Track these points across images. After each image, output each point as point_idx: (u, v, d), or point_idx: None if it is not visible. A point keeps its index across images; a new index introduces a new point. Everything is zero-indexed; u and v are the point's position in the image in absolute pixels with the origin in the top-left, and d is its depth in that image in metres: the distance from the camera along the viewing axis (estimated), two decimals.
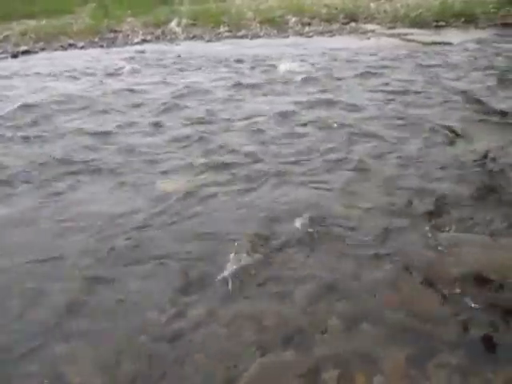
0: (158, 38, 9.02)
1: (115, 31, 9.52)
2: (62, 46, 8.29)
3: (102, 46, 8.31)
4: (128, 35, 9.17)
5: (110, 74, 5.83)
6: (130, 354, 1.55)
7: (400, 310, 1.66)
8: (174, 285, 1.85)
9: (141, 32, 9.34)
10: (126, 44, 8.50)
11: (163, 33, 9.40)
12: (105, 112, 4.18)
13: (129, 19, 10.36)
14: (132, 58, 6.88)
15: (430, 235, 2.07)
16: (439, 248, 1.99)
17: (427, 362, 1.46)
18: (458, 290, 1.73)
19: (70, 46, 8.37)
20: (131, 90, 4.93)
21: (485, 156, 2.89)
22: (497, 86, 4.57)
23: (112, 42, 8.66)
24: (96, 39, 8.85)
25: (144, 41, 8.77)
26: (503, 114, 3.70)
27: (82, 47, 8.28)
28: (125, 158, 3.10)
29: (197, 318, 1.68)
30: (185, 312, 1.71)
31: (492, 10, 9.79)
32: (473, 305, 1.67)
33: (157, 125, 3.77)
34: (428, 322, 1.60)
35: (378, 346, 1.53)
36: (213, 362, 1.51)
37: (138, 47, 8.04)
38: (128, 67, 6.14)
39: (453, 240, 2.04)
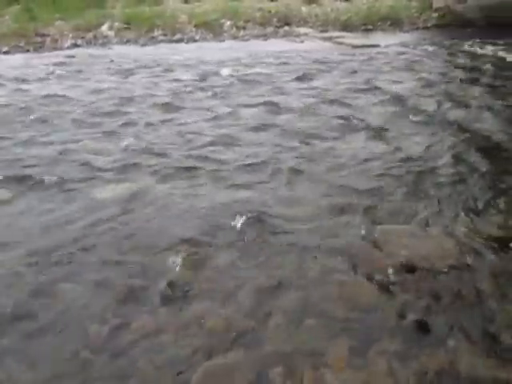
0: (89, 43, 8.73)
1: (43, 35, 9.09)
2: None
3: (28, 51, 7.91)
4: (57, 39, 8.79)
5: (38, 80, 5.56)
6: (71, 373, 1.48)
7: (340, 302, 1.72)
8: (114, 295, 1.80)
9: (70, 36, 8.99)
10: (54, 49, 8.14)
11: (95, 37, 9.11)
12: (34, 120, 3.97)
13: (57, 23, 9.93)
14: (62, 63, 6.60)
15: (364, 229, 2.17)
16: (374, 241, 2.08)
17: (368, 351, 1.52)
18: (392, 280, 1.82)
19: None
20: (61, 97, 4.73)
21: (412, 153, 3.06)
22: (421, 86, 4.86)
23: (40, 47, 8.26)
24: (22, 44, 8.41)
25: (74, 45, 8.45)
26: (427, 113, 3.94)
27: (5, 52, 7.83)
28: (56, 167, 2.97)
29: (140, 328, 1.64)
30: (127, 323, 1.66)
31: (415, 15, 10.42)
32: (406, 292, 1.76)
33: (92, 132, 3.64)
34: (367, 313, 1.67)
35: (322, 339, 1.57)
36: (159, 371, 1.48)
37: (68, 52, 7.74)
38: (57, 73, 5.89)
39: (386, 232, 2.14)
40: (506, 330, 1.58)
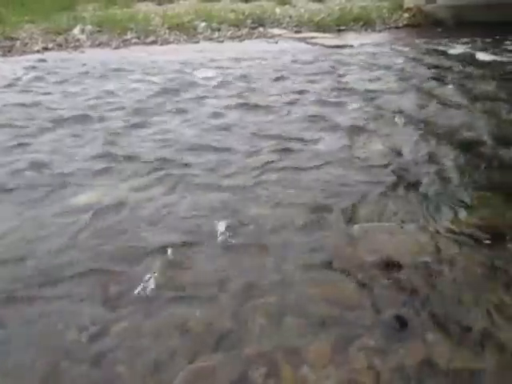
0: (60, 46, 8.54)
1: (11, 38, 8.84)
2: None
3: None
4: (26, 43, 8.57)
5: (7, 86, 5.41)
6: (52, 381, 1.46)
7: (321, 300, 1.74)
8: (93, 302, 1.77)
9: (41, 39, 8.78)
10: (24, 52, 7.94)
11: (66, 40, 8.92)
12: (4, 126, 3.87)
13: (26, 26, 9.69)
14: (32, 68, 6.45)
15: (343, 228, 2.19)
16: (353, 238, 2.11)
17: (348, 347, 1.54)
18: (371, 276, 1.85)
19: None
20: (32, 102, 4.62)
21: (387, 151, 3.11)
22: (394, 85, 4.95)
23: (8, 51, 8.04)
24: None
25: (45, 49, 8.25)
26: (401, 111, 4.01)
27: None
28: (32, 175, 2.90)
29: (120, 334, 1.62)
30: (107, 329, 1.64)
31: (386, 15, 10.59)
32: (385, 288, 1.79)
33: (62, 137, 3.57)
34: (347, 309, 1.69)
35: (303, 337, 1.58)
36: (140, 376, 1.47)
37: (39, 55, 7.56)
38: (27, 77, 5.76)
39: (364, 230, 2.18)
40: (482, 321, 1.62)
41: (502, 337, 1.55)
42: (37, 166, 3.01)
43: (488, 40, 7.66)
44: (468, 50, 7.05)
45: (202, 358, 1.51)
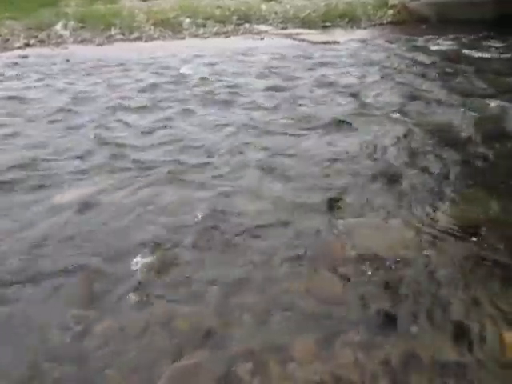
0: (42, 42, 8.41)
1: None
2: None
3: None
4: (8, 39, 8.42)
5: None
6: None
7: (306, 296, 1.74)
8: (76, 301, 1.75)
9: (22, 35, 8.63)
10: (5, 49, 7.80)
11: (48, 36, 8.78)
12: None
13: (8, 22, 9.52)
14: (14, 64, 6.34)
15: (327, 223, 2.20)
16: (338, 234, 2.12)
17: (334, 343, 1.54)
18: (356, 271, 1.86)
19: None
20: (15, 98, 4.55)
21: (371, 147, 3.12)
22: (379, 81, 4.98)
23: None
24: None
25: (27, 45, 8.12)
26: (386, 106, 4.03)
27: None
28: (12, 173, 2.85)
29: (104, 333, 1.60)
30: (91, 328, 1.62)
31: (371, 12, 10.64)
32: (370, 283, 1.80)
33: (47, 135, 3.52)
34: (332, 305, 1.70)
35: (289, 334, 1.58)
36: (125, 376, 1.46)
37: (21, 52, 7.44)
38: (9, 74, 5.66)
39: (349, 225, 2.18)
40: (466, 315, 1.64)
41: (484, 330, 1.57)
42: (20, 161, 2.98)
43: (471, 37, 7.74)
44: (451, 46, 7.11)
45: (188, 355, 1.50)
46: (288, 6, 11.10)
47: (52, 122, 3.84)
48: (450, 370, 1.44)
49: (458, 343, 1.52)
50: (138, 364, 1.49)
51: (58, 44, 8.28)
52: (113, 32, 9.12)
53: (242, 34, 9.24)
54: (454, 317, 1.63)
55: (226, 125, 3.65)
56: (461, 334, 1.56)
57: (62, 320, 1.66)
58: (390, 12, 10.52)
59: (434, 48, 7.05)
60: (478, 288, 1.77)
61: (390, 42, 7.66)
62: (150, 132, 3.54)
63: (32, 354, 1.53)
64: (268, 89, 4.74)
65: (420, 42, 7.63)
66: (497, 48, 6.73)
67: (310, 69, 5.69)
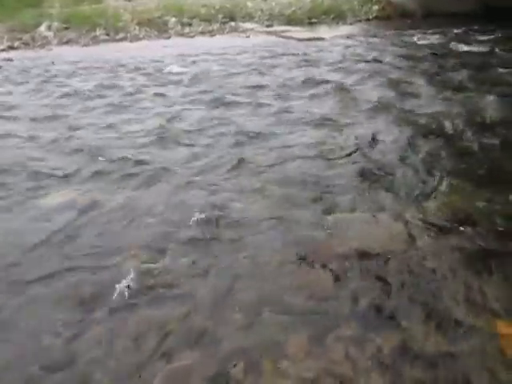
0: (26, 44, 8.32)
1: None
2: None
3: None
4: None
5: None
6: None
7: (298, 293, 1.74)
8: (67, 305, 1.74)
9: (6, 37, 8.52)
10: None
11: (33, 38, 8.68)
12: None
13: None
14: None
15: (317, 219, 2.20)
16: (328, 230, 2.12)
17: (326, 338, 1.55)
18: (346, 267, 1.86)
19: None
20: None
21: (360, 142, 3.13)
22: (366, 76, 4.99)
23: None
24: None
25: (11, 47, 8.03)
26: (374, 101, 4.05)
27: None
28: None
29: (96, 337, 1.59)
30: (82, 332, 1.61)
31: (357, 8, 10.67)
32: (360, 277, 1.81)
33: (34, 138, 3.49)
34: (323, 300, 1.70)
35: (281, 331, 1.58)
36: (117, 379, 1.45)
37: (5, 55, 7.35)
38: None
39: (339, 221, 2.19)
40: (454, 307, 1.66)
41: (475, 320, 1.59)
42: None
43: (457, 31, 7.80)
44: (437, 40, 7.15)
45: (180, 356, 1.50)
46: (273, 4, 11.08)
47: (35, 125, 3.80)
48: (442, 362, 1.45)
49: (449, 335, 1.54)
50: (130, 366, 1.48)
51: (42, 46, 8.20)
52: (98, 33, 9.05)
53: (227, 32, 9.22)
54: (444, 309, 1.65)
55: (214, 124, 3.64)
56: (451, 326, 1.57)
57: (52, 325, 1.64)
58: (375, 7, 10.55)
59: (419, 42, 7.10)
60: (468, 279, 1.79)
61: (376, 38, 7.69)
62: (138, 132, 3.52)
63: (23, 363, 1.51)
64: (254, 86, 4.74)
65: (405, 36, 7.67)
66: (482, 41, 6.78)
67: (297, 66, 5.69)
